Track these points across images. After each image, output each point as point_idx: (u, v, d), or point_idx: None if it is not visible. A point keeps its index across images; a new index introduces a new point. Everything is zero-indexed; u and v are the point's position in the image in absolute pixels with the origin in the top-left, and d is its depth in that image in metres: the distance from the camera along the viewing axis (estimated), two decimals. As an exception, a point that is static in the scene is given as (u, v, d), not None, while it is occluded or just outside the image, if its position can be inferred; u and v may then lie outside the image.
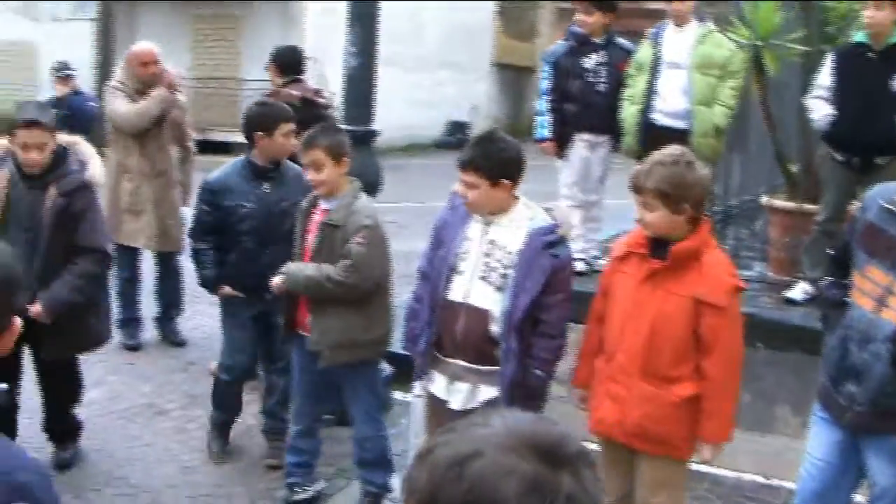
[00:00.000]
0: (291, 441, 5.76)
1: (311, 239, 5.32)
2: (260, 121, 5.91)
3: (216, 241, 6.02)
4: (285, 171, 6.05)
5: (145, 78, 8.07)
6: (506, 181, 4.48)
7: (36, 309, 5.24)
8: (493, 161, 4.48)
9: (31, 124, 5.24)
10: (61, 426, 6.13)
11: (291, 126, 5.93)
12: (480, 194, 4.48)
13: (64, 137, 5.59)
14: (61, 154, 5.45)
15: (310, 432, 5.74)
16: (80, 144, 5.67)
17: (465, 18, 27.61)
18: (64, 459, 6.05)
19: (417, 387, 4.94)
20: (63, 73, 11.05)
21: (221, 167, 6.15)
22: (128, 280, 8.52)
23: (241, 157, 6.10)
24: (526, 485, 1.32)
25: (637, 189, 4.27)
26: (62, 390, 6.02)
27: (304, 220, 5.39)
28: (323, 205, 5.32)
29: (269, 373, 6.39)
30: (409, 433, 5.23)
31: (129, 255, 8.43)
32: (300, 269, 5.27)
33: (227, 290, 6.06)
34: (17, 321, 2.23)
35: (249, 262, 5.92)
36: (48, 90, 11.54)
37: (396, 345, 5.71)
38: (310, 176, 5.27)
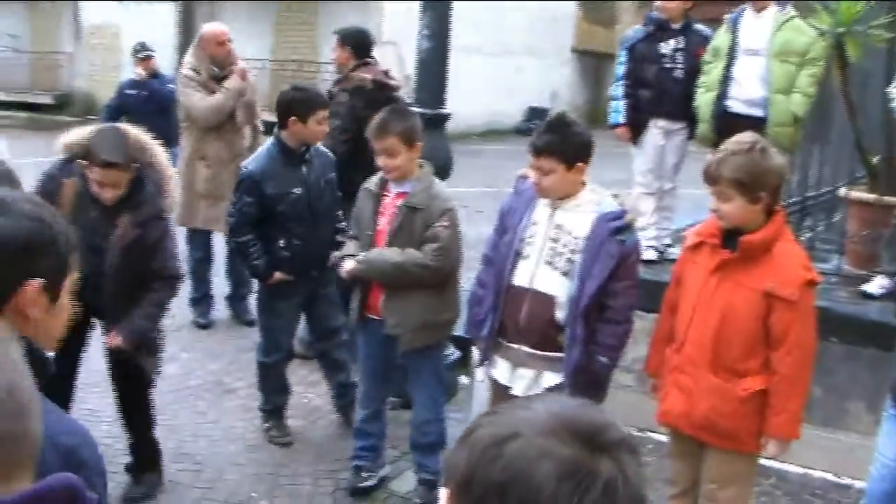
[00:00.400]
0: (358, 424, 5.77)
1: (388, 222, 5.27)
2: (295, 106, 5.93)
3: (259, 232, 6.00)
4: (314, 150, 6.13)
5: (221, 57, 8.11)
6: (580, 164, 4.44)
7: (115, 340, 5.13)
8: (569, 145, 4.44)
9: (109, 166, 4.91)
10: (139, 454, 5.69)
11: (325, 113, 5.94)
12: (556, 179, 4.43)
13: (141, 140, 5.17)
14: (137, 182, 5.08)
15: (377, 416, 5.75)
16: (157, 157, 5.25)
17: (548, 5, 27.42)
18: (136, 492, 5.61)
19: (480, 372, 4.92)
20: (143, 54, 11.15)
21: (254, 157, 6.17)
22: (200, 260, 8.60)
23: (269, 142, 6.11)
24: (561, 468, 1.30)
25: (712, 180, 4.18)
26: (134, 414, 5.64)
27: (375, 202, 5.34)
28: (396, 188, 5.29)
29: (329, 350, 6.42)
30: (470, 419, 5.19)
31: (203, 236, 8.52)
32: (383, 256, 5.20)
33: (278, 276, 6.04)
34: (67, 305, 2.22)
35: (302, 245, 5.95)
36: (130, 72, 11.64)
37: (462, 329, 5.67)
38: (382, 162, 5.21)
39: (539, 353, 4.60)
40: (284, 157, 5.93)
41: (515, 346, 4.66)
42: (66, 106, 29.26)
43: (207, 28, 8.42)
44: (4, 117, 27.12)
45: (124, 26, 27.71)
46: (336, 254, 5.53)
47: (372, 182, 5.40)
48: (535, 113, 27.71)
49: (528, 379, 4.64)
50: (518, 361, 4.67)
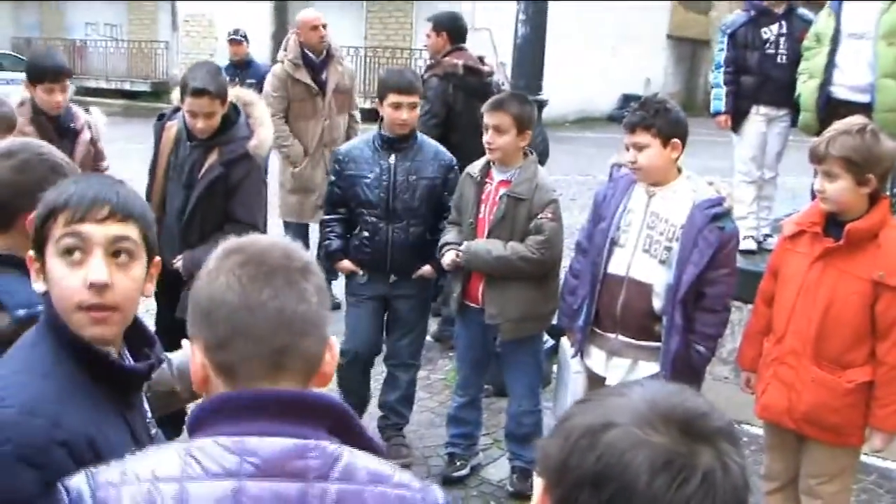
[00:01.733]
0: (454, 412, 5.74)
1: (490, 210, 5.21)
2: (378, 89, 5.78)
3: (346, 214, 5.78)
4: (419, 145, 5.70)
5: (314, 42, 8.13)
6: (676, 140, 4.37)
7: (176, 262, 5.20)
8: (665, 119, 4.36)
9: (200, 93, 5.04)
10: None
11: (399, 97, 5.48)
12: (652, 155, 4.35)
13: (242, 95, 5.46)
14: (232, 118, 5.26)
15: (473, 403, 5.72)
16: (256, 106, 5.48)
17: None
18: None
19: (575, 363, 4.86)
20: (237, 36, 11.27)
21: (358, 137, 6.06)
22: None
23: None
24: (657, 458, 1.26)
25: (819, 158, 4.05)
26: None
27: (477, 189, 5.28)
28: (499, 175, 5.23)
29: (390, 366, 6.07)
30: (562, 409, 5.16)
31: (299, 228, 8.57)
32: (486, 248, 5.14)
33: (346, 264, 5.75)
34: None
35: (372, 236, 5.63)
36: (224, 60, 11.77)
37: (556, 318, 5.61)
38: (489, 138, 5.13)
39: (635, 342, 4.54)
40: (377, 142, 5.68)
41: (611, 335, 4.60)
42: (162, 93, 29.75)
43: (302, 14, 8.43)
44: (103, 104, 27.59)
45: (219, 16, 28.09)
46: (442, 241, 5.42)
47: (475, 168, 5.32)
48: (628, 100, 27.40)
49: (624, 368, 4.58)
50: (613, 351, 4.62)
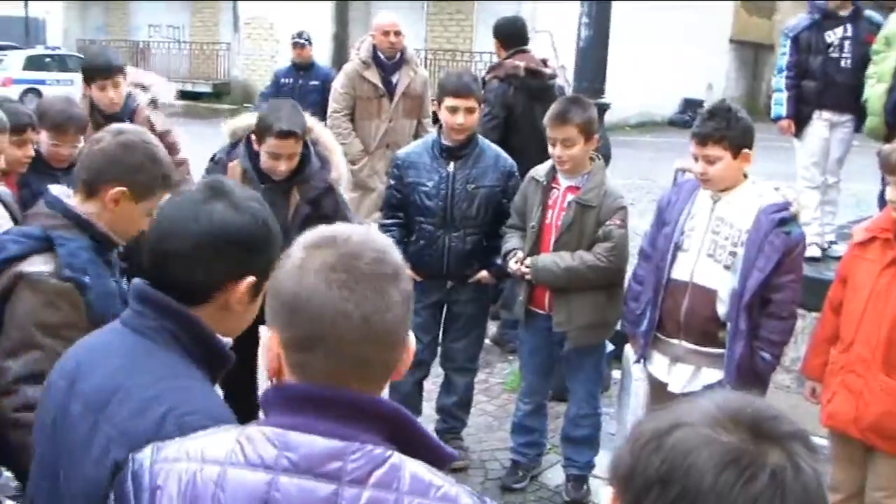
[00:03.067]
0: (519, 420, 5.67)
1: (557, 216, 5.16)
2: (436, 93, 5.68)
3: (404, 219, 5.71)
4: (479, 153, 5.60)
5: (385, 46, 8.15)
6: (747, 151, 4.31)
7: None
8: (737, 131, 4.29)
9: (287, 135, 4.83)
10: None
11: (457, 101, 5.40)
12: (723, 168, 4.29)
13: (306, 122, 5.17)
14: (302, 157, 5.05)
15: (540, 410, 5.66)
16: (321, 132, 5.36)
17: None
18: None
19: (637, 369, 4.81)
20: (301, 39, 11.35)
21: (417, 141, 6.01)
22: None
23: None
24: (724, 455, 1.23)
25: (891, 168, 3.99)
26: None
27: (543, 194, 5.21)
28: (566, 181, 5.17)
29: (448, 370, 6.03)
30: (625, 414, 5.11)
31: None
32: (553, 261, 5.08)
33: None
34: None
35: (429, 245, 5.58)
36: (285, 61, 11.86)
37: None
38: (557, 152, 5.06)
39: (698, 348, 4.48)
40: (436, 149, 5.59)
41: (674, 341, 4.55)
42: (223, 94, 30.06)
43: (378, 17, 8.52)
44: (164, 105, 27.89)
45: (280, 18, 28.28)
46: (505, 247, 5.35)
47: (539, 172, 5.26)
48: (689, 104, 27.27)
49: (686, 375, 4.53)
50: (676, 357, 4.57)
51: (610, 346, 6.43)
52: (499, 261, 5.46)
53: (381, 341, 1.66)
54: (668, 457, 1.26)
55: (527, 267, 5.14)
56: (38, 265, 2.99)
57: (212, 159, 5.26)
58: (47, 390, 2.24)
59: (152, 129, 6.02)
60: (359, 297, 1.64)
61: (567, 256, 5.05)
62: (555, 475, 5.75)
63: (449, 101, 5.41)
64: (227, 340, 2.26)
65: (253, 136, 5.00)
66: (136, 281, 2.20)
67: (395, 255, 1.74)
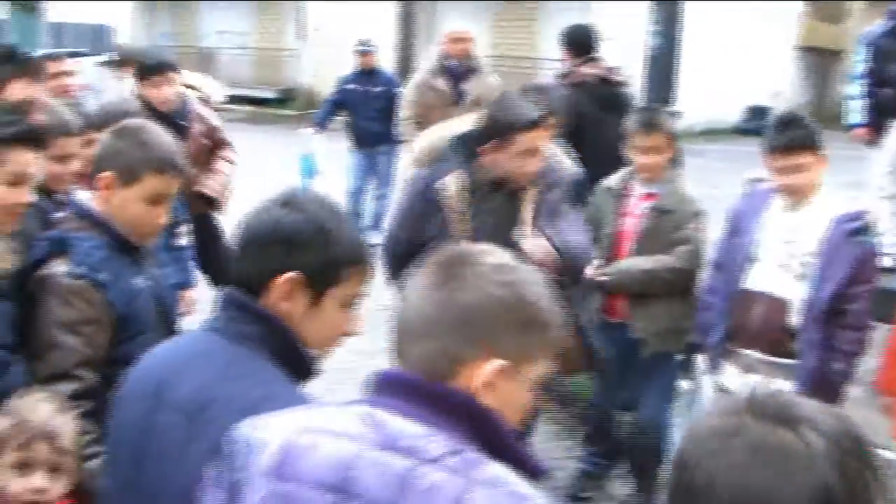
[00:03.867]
0: (591, 430, 5.68)
1: (634, 224, 5.15)
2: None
3: None
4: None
5: (455, 54, 8.19)
6: (824, 154, 4.32)
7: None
8: (818, 135, 4.32)
9: (537, 124, 4.34)
10: None
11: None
12: (808, 176, 4.29)
13: None
14: None
15: (609, 420, 5.65)
16: None
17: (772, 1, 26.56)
18: None
19: (707, 381, 4.77)
20: (362, 48, 11.44)
21: None
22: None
23: None
24: (714, 429, 1.32)
25: None
26: None
27: (617, 202, 5.22)
28: (642, 188, 5.16)
29: None
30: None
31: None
32: (633, 265, 5.09)
33: None
34: None
35: None
36: (351, 68, 11.92)
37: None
38: (643, 160, 5.07)
39: (771, 359, 4.46)
40: None
41: (746, 351, 4.53)
42: (288, 101, 30.25)
43: (449, 26, 8.57)
44: (230, 110, 28.20)
45: (346, 24, 28.42)
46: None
47: (613, 180, 5.26)
48: (756, 112, 26.94)
49: None
50: (748, 367, 4.54)
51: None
52: None
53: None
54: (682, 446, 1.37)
55: (605, 274, 5.12)
56: (54, 267, 3.06)
57: (413, 195, 4.73)
58: (124, 399, 2.27)
59: (206, 125, 6.12)
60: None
61: (643, 261, 5.06)
62: (622, 486, 5.73)
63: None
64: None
65: (478, 145, 4.48)
66: (227, 288, 2.24)
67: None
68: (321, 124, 11.42)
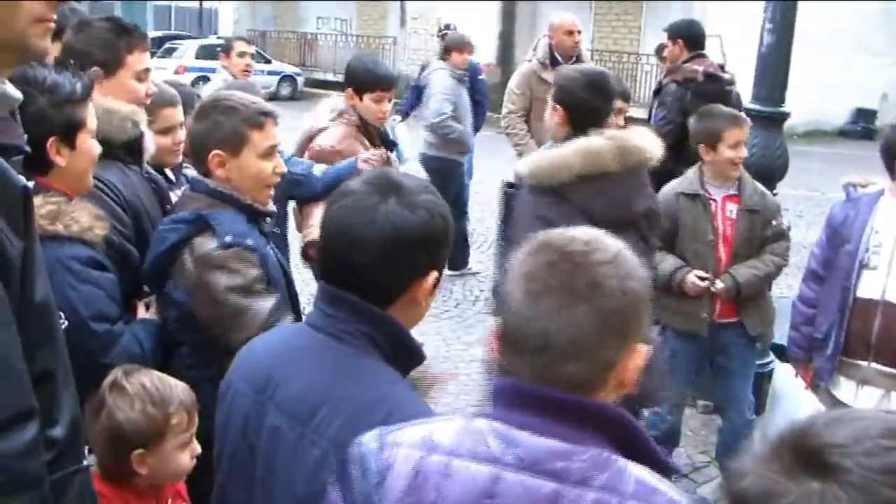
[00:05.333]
0: (653, 416, 5.58)
1: (731, 228, 5.09)
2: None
3: None
4: None
5: (566, 47, 8.13)
6: None
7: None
8: None
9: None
10: None
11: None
12: None
13: None
14: None
15: (675, 411, 5.57)
16: None
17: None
18: None
19: (811, 396, 4.64)
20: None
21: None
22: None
23: None
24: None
25: None
26: None
27: (705, 207, 5.12)
28: (718, 191, 5.11)
29: None
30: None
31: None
32: (752, 272, 5.04)
33: None
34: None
35: None
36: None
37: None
38: (733, 153, 5.02)
39: (890, 370, 4.31)
40: None
41: (863, 363, 4.39)
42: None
43: (558, 17, 8.48)
44: (331, 97, 28.42)
45: (447, 14, 28.45)
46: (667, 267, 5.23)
47: (685, 187, 5.17)
48: (861, 115, 26.40)
49: (876, 398, 4.36)
50: (865, 380, 4.41)
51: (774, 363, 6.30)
52: None
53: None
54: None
55: (720, 283, 5.06)
56: (201, 245, 3.07)
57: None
58: (228, 394, 2.25)
59: None
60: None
61: (760, 264, 5.04)
62: (715, 491, 5.61)
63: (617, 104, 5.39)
64: None
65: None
66: (324, 284, 2.19)
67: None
68: (406, 112, 11.38)
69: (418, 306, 2.17)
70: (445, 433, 1.71)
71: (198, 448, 2.78)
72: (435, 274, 2.13)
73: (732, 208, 5.08)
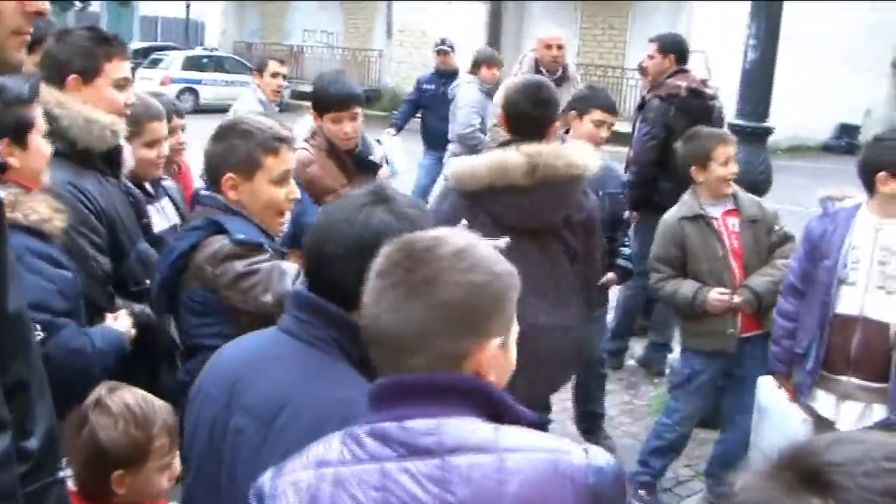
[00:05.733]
0: (670, 444, 5.52)
1: (739, 240, 5.15)
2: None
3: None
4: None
5: (547, 60, 8.14)
6: None
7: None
8: None
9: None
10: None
11: (601, 115, 5.56)
12: None
13: None
14: None
15: (687, 438, 5.58)
16: None
17: (867, 14, 25.97)
18: None
19: (795, 409, 4.64)
20: (444, 47, 11.45)
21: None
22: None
23: None
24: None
25: None
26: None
27: (709, 227, 5.18)
28: (715, 209, 5.17)
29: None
30: (763, 444, 5.00)
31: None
32: (766, 280, 5.09)
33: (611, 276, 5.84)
34: None
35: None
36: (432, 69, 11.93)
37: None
38: (724, 171, 5.12)
39: (870, 384, 4.31)
40: None
41: (842, 377, 4.39)
42: (373, 100, 30.40)
43: (542, 31, 8.55)
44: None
45: (432, 26, 28.52)
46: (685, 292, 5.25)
47: (685, 212, 5.22)
48: (845, 130, 26.50)
49: (857, 412, 4.36)
50: (845, 394, 4.40)
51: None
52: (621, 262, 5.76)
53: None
54: None
55: (738, 297, 5.11)
56: (213, 244, 3.07)
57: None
58: (198, 396, 2.25)
59: None
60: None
61: (773, 270, 5.11)
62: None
63: (598, 115, 5.55)
64: None
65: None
66: (298, 288, 2.23)
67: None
68: (399, 125, 11.42)
69: None
70: (328, 449, 1.74)
71: (177, 469, 2.75)
72: None
73: (734, 222, 5.16)
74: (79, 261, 3.20)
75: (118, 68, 3.63)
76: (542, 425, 1.61)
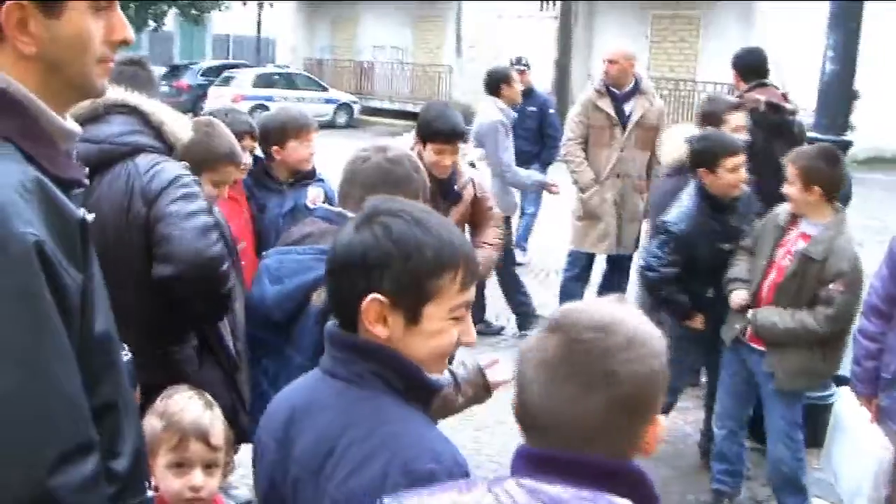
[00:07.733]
0: (718, 445, 5.56)
1: (785, 261, 5.04)
2: (702, 157, 5.47)
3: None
4: (743, 197, 5.56)
5: (612, 75, 8.11)
6: None
7: None
8: None
9: None
10: None
11: (738, 159, 5.37)
12: None
13: None
14: None
15: (735, 437, 5.52)
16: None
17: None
18: None
19: (881, 434, 4.54)
20: (520, 66, 11.38)
21: (676, 207, 5.60)
22: (576, 279, 8.62)
23: (691, 191, 5.56)
24: None
25: None
26: None
27: (779, 234, 5.10)
28: (804, 226, 5.03)
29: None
30: (837, 466, 4.94)
31: (587, 256, 8.56)
32: (772, 321, 4.97)
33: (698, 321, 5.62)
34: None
35: (705, 305, 5.58)
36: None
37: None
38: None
39: None
40: (711, 209, 5.49)
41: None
42: (444, 116, 30.53)
43: (609, 47, 8.54)
44: (386, 123, 28.69)
45: (503, 41, 28.53)
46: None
47: (780, 212, 5.16)
48: (925, 141, 25.97)
49: None
50: None
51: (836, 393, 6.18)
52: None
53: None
54: None
55: (750, 318, 5.11)
56: None
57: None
58: (258, 449, 2.26)
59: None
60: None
61: (787, 317, 4.93)
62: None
63: (730, 162, 5.36)
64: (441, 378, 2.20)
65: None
66: (329, 326, 2.18)
67: None
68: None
69: (420, 336, 2.08)
70: (473, 494, 1.70)
71: (196, 481, 2.79)
72: (373, 297, 2.03)
73: (799, 248, 4.98)
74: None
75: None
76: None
